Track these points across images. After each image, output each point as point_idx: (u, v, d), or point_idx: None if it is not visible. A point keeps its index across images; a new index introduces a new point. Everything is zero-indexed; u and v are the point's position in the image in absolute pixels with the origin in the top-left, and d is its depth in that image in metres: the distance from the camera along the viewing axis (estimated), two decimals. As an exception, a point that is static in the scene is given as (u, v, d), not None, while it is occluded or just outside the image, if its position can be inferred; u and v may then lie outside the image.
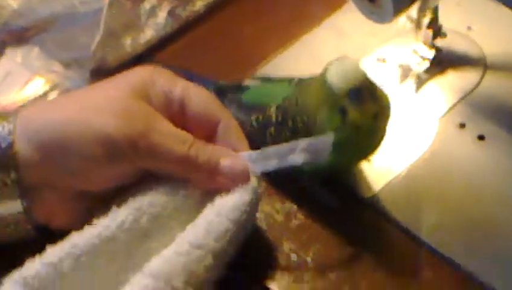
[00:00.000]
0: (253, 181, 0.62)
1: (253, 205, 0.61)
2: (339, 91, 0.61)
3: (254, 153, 0.62)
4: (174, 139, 0.61)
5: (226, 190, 0.61)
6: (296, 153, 0.61)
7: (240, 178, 0.61)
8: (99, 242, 0.58)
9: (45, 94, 0.79)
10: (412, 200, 0.67)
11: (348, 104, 0.61)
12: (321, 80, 0.62)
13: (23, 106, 0.78)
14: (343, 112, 0.61)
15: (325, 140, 0.60)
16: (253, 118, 0.69)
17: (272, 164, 0.62)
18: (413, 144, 0.71)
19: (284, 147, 0.62)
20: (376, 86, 0.63)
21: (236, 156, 0.62)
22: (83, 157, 0.59)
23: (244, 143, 0.63)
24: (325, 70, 0.62)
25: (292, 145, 0.61)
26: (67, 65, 0.80)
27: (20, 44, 0.82)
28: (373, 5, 0.64)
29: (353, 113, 0.61)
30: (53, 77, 0.80)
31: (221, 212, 0.59)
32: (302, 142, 0.61)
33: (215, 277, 0.59)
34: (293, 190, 0.68)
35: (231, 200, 0.60)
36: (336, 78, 0.61)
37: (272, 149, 0.62)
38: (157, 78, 0.63)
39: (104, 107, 0.60)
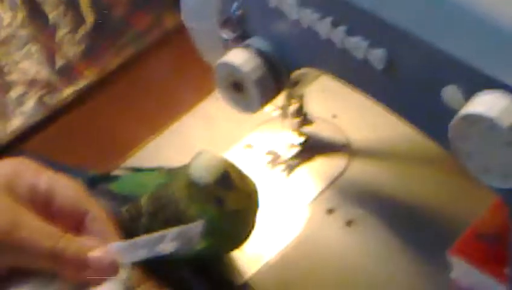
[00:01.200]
0: (123, 273, 0.61)
1: None
2: (207, 184, 0.62)
3: (123, 244, 0.62)
4: (40, 233, 0.59)
5: (95, 283, 0.60)
6: (165, 242, 0.61)
7: (108, 271, 0.60)
8: None
9: None
10: (284, 285, 0.68)
11: (222, 193, 0.62)
12: (186, 176, 0.63)
13: None
14: (219, 201, 0.62)
15: (195, 228, 0.60)
16: (124, 209, 0.68)
17: (142, 254, 0.61)
18: (283, 230, 0.72)
19: (153, 236, 0.61)
20: (239, 177, 0.64)
21: (104, 248, 0.61)
22: None
23: (113, 234, 0.62)
24: (188, 167, 0.63)
25: (162, 234, 0.61)
26: None
27: None
28: (239, 95, 0.66)
29: (231, 198, 0.62)
30: None
31: None
32: (172, 231, 0.61)
33: None
34: (167, 277, 0.67)
35: None
36: (200, 173, 0.63)
37: (141, 239, 0.61)
38: (23, 170, 0.62)
39: None
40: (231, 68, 0.64)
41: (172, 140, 0.81)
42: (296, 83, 0.67)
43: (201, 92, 0.84)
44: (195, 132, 0.81)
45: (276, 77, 0.64)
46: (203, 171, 0.62)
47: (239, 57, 0.64)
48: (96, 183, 0.72)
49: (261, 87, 0.64)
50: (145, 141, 0.80)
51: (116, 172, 0.74)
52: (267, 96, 0.65)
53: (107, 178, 0.73)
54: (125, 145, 0.80)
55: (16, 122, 0.81)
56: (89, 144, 0.81)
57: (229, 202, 0.62)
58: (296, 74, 0.64)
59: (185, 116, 0.83)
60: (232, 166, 0.63)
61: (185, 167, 0.65)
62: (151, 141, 0.80)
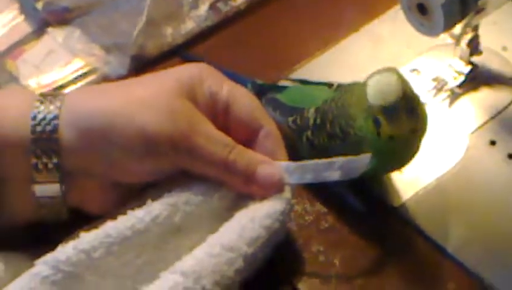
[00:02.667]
0: (288, 192, 0.63)
1: (285, 215, 0.62)
2: (374, 105, 0.62)
3: (292, 165, 0.63)
4: (215, 142, 0.61)
5: (260, 197, 0.62)
6: (332, 170, 0.62)
7: (274, 188, 0.62)
8: (132, 234, 0.59)
9: (84, 77, 0.79)
10: (439, 212, 0.69)
11: (382, 118, 0.62)
12: (362, 89, 0.63)
13: (62, 87, 0.79)
14: (377, 123, 0.62)
15: (362, 160, 0.61)
16: (290, 119, 0.70)
17: (308, 178, 0.62)
18: (444, 157, 0.72)
19: (321, 162, 0.62)
20: (416, 102, 0.63)
21: (273, 165, 0.63)
22: (123, 150, 0.60)
23: (283, 152, 0.64)
24: (367, 80, 0.63)
25: (329, 161, 0.62)
26: (107, 50, 0.81)
27: (62, 25, 0.83)
28: (424, 17, 0.65)
29: (386, 128, 0.62)
30: (93, 61, 0.81)
31: (254, 219, 0.60)
32: (340, 160, 0.61)
33: (243, 278, 0.60)
34: (323, 192, 0.69)
35: (265, 207, 0.61)
36: (374, 92, 0.62)
37: (309, 163, 0.62)
38: (206, 77, 0.63)
39: (149, 104, 0.60)
40: (419, -12, 0.64)
41: (339, 57, 0.81)
42: (479, 11, 0.66)
43: (371, 13, 0.84)
44: (362, 51, 0.81)
45: (463, 2, 0.63)
46: (379, 92, 0.62)
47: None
48: (263, 92, 0.73)
49: (447, 12, 0.63)
50: (312, 55, 0.81)
51: (283, 83, 0.75)
52: (451, 21, 0.65)
53: (275, 88, 0.74)
54: (291, 58, 0.81)
55: (189, 25, 0.83)
56: (258, 53, 0.82)
57: (400, 126, 0.62)
58: (481, 1, 0.63)
59: (354, 35, 0.83)
60: (410, 89, 0.63)
61: (357, 85, 0.65)
62: (318, 55, 0.81)
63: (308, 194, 0.70)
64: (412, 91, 0.63)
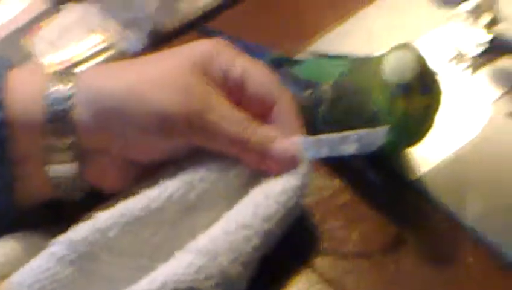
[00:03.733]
0: (303, 167, 0.62)
1: (302, 190, 0.62)
2: (390, 81, 0.62)
3: (307, 139, 0.62)
4: (230, 119, 0.61)
5: (275, 172, 0.62)
6: (348, 143, 0.61)
7: (290, 164, 0.62)
8: (147, 213, 0.60)
9: (101, 53, 0.79)
10: (458, 185, 0.68)
11: (397, 94, 0.62)
12: (378, 64, 0.62)
13: (78, 63, 0.79)
14: (392, 99, 0.62)
15: (379, 133, 0.60)
16: (306, 93, 0.69)
17: (324, 152, 0.62)
18: (463, 129, 0.71)
19: (337, 136, 0.61)
20: (431, 80, 0.63)
21: (289, 140, 0.62)
22: (139, 129, 0.60)
23: (298, 128, 0.63)
24: (384, 56, 0.62)
25: (345, 134, 0.61)
26: (124, 25, 0.80)
27: (79, 1, 0.83)
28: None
29: (400, 104, 0.62)
30: (110, 36, 0.80)
31: (269, 195, 0.60)
32: (356, 133, 0.61)
33: (260, 255, 0.60)
34: (340, 167, 0.69)
35: (280, 184, 0.61)
36: (390, 69, 0.62)
37: (325, 137, 0.62)
38: (219, 53, 0.63)
39: (163, 82, 0.60)
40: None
41: (357, 28, 0.80)
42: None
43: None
44: (380, 21, 0.80)
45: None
46: (396, 70, 0.61)
47: None
48: (279, 65, 0.73)
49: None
50: (330, 27, 0.80)
51: (299, 56, 0.75)
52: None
53: (291, 61, 0.73)
54: (310, 30, 0.80)
55: (205, -1, 0.82)
56: (274, 25, 0.81)
57: (414, 103, 0.62)
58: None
59: (371, 5, 0.82)
60: (426, 66, 0.62)
61: (374, 59, 0.64)
62: (337, 26, 0.80)
63: (325, 169, 0.69)
64: (427, 69, 0.62)
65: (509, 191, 0.67)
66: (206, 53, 0.63)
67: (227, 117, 0.61)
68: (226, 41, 0.65)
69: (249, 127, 0.61)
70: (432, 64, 0.63)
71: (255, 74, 0.63)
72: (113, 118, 0.60)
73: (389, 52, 0.63)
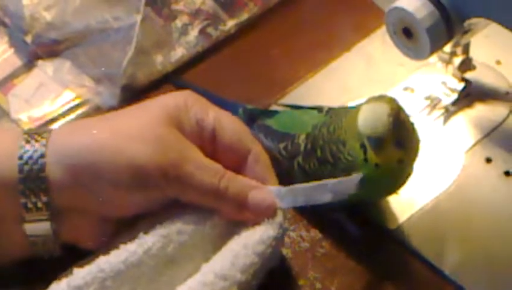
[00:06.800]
0: (280, 216, 0.62)
1: (278, 240, 0.62)
2: (363, 132, 0.62)
3: (283, 189, 0.63)
4: (205, 170, 0.61)
5: (252, 222, 0.62)
6: (323, 192, 0.61)
7: (266, 213, 0.62)
8: (125, 268, 0.59)
9: (75, 109, 0.79)
10: (436, 234, 0.68)
11: (369, 146, 0.62)
12: (354, 114, 0.63)
13: (53, 120, 0.78)
14: (365, 150, 0.62)
15: (352, 180, 0.61)
16: (281, 145, 0.69)
17: (299, 201, 0.62)
18: (439, 177, 0.71)
19: (311, 185, 0.62)
20: (406, 132, 0.63)
21: (265, 190, 0.62)
22: (113, 185, 0.60)
23: (273, 176, 0.64)
24: (360, 106, 0.63)
25: (320, 183, 0.61)
26: (98, 80, 0.80)
27: (52, 57, 0.82)
28: (410, 41, 0.65)
29: (373, 156, 0.62)
30: (83, 92, 0.80)
31: (247, 245, 0.60)
32: (330, 182, 0.61)
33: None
34: (318, 218, 0.69)
35: (257, 233, 0.61)
36: (364, 120, 0.62)
37: (300, 186, 0.62)
38: (191, 104, 0.63)
39: (136, 135, 0.60)
40: (403, 14, 0.63)
41: (331, 78, 0.80)
42: (466, 32, 0.66)
43: (361, 31, 0.84)
44: (354, 71, 0.81)
45: (448, 25, 0.63)
46: (370, 122, 0.61)
47: (412, 3, 0.63)
48: (254, 117, 0.73)
49: (432, 35, 0.63)
50: (303, 78, 0.80)
51: (273, 108, 0.75)
52: (437, 44, 0.64)
53: (265, 113, 0.73)
54: (283, 81, 0.80)
55: (179, 52, 0.82)
56: (247, 78, 0.81)
57: (386, 156, 0.62)
58: (467, 22, 0.63)
59: (344, 55, 0.82)
60: (402, 120, 0.62)
61: (349, 109, 0.65)
62: (309, 78, 0.80)
63: (303, 221, 0.69)
64: (403, 122, 0.63)
65: (485, 240, 0.67)
66: (179, 105, 0.63)
67: (203, 168, 0.61)
68: (198, 94, 0.65)
69: (224, 177, 0.61)
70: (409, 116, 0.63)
71: (228, 124, 0.63)
72: (86, 174, 0.60)
73: (365, 103, 0.63)
